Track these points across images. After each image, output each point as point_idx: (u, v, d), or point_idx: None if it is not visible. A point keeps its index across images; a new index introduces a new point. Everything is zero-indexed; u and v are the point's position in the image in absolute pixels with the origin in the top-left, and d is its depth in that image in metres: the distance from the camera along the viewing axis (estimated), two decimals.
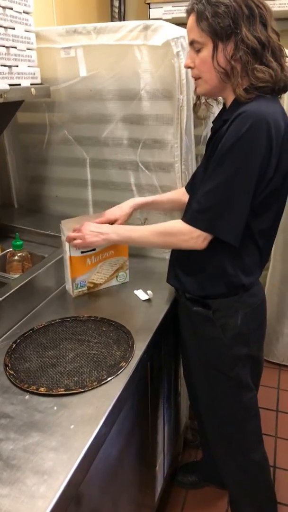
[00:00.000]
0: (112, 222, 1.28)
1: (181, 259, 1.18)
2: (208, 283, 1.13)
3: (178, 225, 1.07)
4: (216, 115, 1.17)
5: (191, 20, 1.00)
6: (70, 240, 1.22)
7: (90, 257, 1.28)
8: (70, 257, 1.25)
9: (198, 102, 1.18)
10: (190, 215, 1.05)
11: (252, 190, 0.99)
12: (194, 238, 1.04)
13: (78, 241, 1.20)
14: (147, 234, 1.12)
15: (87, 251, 1.27)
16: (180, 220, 1.07)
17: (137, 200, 1.34)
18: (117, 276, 1.36)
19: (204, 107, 1.20)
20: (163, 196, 1.36)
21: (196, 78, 1.07)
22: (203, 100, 1.18)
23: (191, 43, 1.03)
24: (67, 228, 1.25)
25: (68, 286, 1.31)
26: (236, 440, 1.28)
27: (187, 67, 1.07)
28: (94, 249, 1.27)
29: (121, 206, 1.31)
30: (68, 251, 1.25)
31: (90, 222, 1.22)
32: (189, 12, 1.01)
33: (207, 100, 1.19)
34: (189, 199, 1.20)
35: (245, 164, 0.96)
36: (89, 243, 1.19)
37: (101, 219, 1.27)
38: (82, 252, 1.26)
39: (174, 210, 1.38)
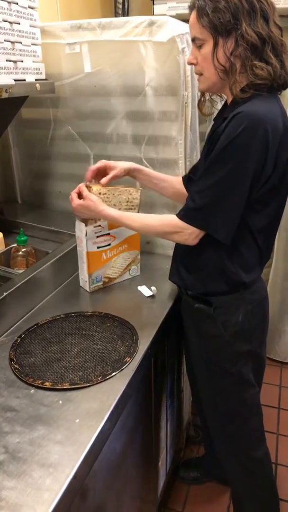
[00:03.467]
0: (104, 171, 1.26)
1: (183, 257, 1.19)
2: (209, 280, 1.14)
3: (172, 221, 1.08)
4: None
5: (193, 16, 1.00)
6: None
7: (105, 252, 1.29)
8: (87, 252, 1.26)
9: (202, 98, 1.18)
10: (185, 211, 1.07)
11: (246, 190, 0.99)
12: (186, 234, 1.07)
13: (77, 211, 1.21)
14: (142, 229, 1.18)
15: (104, 246, 1.28)
16: (174, 216, 1.09)
17: (136, 165, 1.31)
18: (129, 270, 1.37)
19: (209, 104, 1.20)
20: (159, 174, 1.34)
21: (199, 74, 1.07)
22: (207, 97, 1.18)
23: (193, 39, 1.03)
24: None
25: (84, 281, 1.31)
26: (238, 437, 1.28)
27: (190, 63, 1.07)
28: (109, 244, 1.29)
29: (119, 162, 1.28)
30: (85, 247, 1.25)
31: (87, 205, 1.17)
32: (191, 9, 1.01)
33: (212, 97, 1.19)
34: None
35: (238, 165, 0.97)
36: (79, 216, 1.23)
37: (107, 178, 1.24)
38: (98, 248, 1.27)
39: (163, 193, 1.36)
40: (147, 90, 1.37)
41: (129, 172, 1.28)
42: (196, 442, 1.84)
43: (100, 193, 1.22)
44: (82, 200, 1.18)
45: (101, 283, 1.32)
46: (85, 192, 1.19)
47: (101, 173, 1.25)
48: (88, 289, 1.31)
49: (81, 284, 1.34)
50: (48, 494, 0.69)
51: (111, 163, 1.25)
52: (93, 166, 1.25)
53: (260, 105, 0.97)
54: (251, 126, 0.93)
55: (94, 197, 1.18)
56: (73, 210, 1.21)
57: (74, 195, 1.20)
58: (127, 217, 1.16)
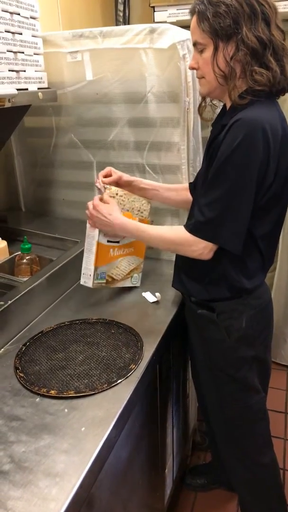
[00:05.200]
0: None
1: (185, 264, 1.19)
2: (211, 287, 1.14)
3: (184, 234, 1.07)
4: None
5: (194, 21, 1.01)
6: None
7: (113, 248, 1.28)
8: (98, 242, 1.23)
9: (203, 103, 1.18)
10: (194, 225, 1.05)
11: (252, 198, 0.99)
12: (200, 249, 1.05)
13: (89, 221, 1.21)
14: (156, 240, 1.14)
15: (113, 242, 1.27)
16: (184, 228, 1.07)
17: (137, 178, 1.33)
18: (131, 277, 1.36)
19: (209, 109, 1.20)
20: (162, 184, 1.36)
21: (200, 78, 1.07)
22: (208, 102, 1.18)
23: (195, 44, 1.03)
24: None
25: (88, 276, 1.26)
26: (244, 443, 1.27)
27: (191, 68, 1.08)
28: (118, 242, 1.27)
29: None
30: (97, 236, 1.23)
31: (106, 206, 1.17)
32: (192, 13, 1.02)
33: (213, 102, 1.19)
34: (192, 202, 1.20)
35: (243, 174, 0.96)
36: (97, 227, 1.20)
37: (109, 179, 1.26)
38: (108, 242, 1.26)
39: (169, 203, 1.36)
40: (149, 97, 1.38)
41: (130, 185, 1.29)
42: (202, 449, 1.82)
43: (117, 194, 1.24)
44: (100, 204, 1.17)
45: (104, 281, 1.29)
46: (104, 197, 1.20)
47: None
48: (91, 285, 1.25)
49: (82, 281, 1.27)
50: (55, 504, 0.68)
51: (114, 170, 1.28)
52: (103, 172, 1.27)
53: (258, 111, 0.97)
54: (251, 133, 0.94)
55: (111, 201, 1.20)
56: (90, 217, 1.18)
57: (90, 204, 1.18)
58: (141, 226, 1.15)
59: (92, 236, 1.24)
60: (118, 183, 1.27)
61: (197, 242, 1.04)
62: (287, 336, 2.30)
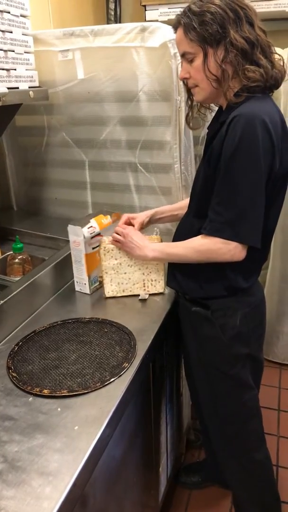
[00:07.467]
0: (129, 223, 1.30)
1: (180, 263, 1.18)
2: (207, 285, 1.14)
3: (209, 240, 1.03)
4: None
5: (179, 33, 1.02)
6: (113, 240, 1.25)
7: (98, 252, 1.31)
8: (86, 254, 1.28)
9: (190, 113, 1.18)
10: (214, 227, 1.01)
11: (264, 188, 0.98)
12: (231, 250, 1.01)
13: (118, 244, 1.24)
14: (187, 252, 1.10)
15: (96, 247, 1.30)
16: (200, 237, 1.05)
17: (151, 210, 1.34)
18: None
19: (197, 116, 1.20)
20: (174, 205, 1.37)
21: (194, 87, 1.08)
22: (195, 110, 1.18)
23: (183, 55, 1.04)
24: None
25: (83, 284, 1.32)
26: (238, 440, 1.28)
27: (183, 78, 1.08)
28: (98, 245, 1.29)
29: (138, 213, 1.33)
30: (84, 250, 1.27)
31: (136, 231, 1.24)
32: (175, 27, 1.03)
33: (200, 111, 1.19)
34: (190, 201, 1.20)
35: (251, 165, 0.96)
36: (125, 251, 1.24)
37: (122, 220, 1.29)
38: (93, 248, 1.29)
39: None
40: (141, 96, 1.38)
41: (150, 219, 1.31)
42: (196, 447, 1.83)
43: None
44: (132, 235, 1.21)
45: (97, 283, 1.34)
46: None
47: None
48: (88, 291, 1.32)
49: (78, 288, 1.34)
50: (48, 503, 0.68)
51: (131, 215, 1.30)
52: (121, 222, 1.29)
53: (255, 105, 0.98)
54: (251, 125, 0.94)
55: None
56: (122, 249, 1.23)
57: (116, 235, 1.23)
58: (169, 243, 1.18)
59: (79, 249, 1.28)
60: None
61: (226, 243, 1.01)
62: (280, 333, 2.31)
